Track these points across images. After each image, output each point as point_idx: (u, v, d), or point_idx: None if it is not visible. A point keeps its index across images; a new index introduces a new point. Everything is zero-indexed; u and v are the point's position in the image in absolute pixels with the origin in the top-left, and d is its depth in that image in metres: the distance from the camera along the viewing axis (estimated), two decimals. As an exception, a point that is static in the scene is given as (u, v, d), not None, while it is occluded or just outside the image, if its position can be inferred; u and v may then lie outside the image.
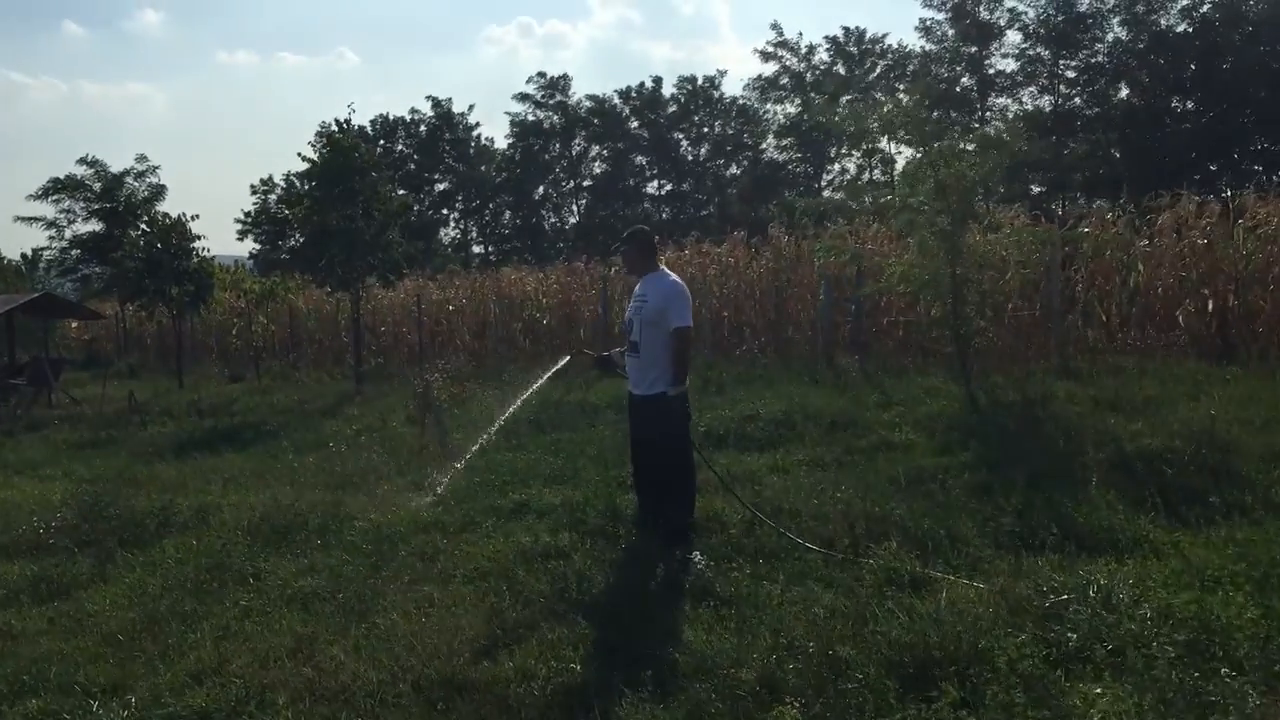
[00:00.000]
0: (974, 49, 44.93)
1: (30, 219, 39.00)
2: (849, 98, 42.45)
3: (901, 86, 41.18)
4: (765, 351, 16.30)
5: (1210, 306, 12.60)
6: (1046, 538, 5.77)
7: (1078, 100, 43.65)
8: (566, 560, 6.06)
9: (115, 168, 37.50)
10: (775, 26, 64.97)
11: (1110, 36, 42.14)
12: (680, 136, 60.70)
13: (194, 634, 5.36)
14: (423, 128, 60.94)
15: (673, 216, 56.97)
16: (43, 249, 41.45)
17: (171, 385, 20.92)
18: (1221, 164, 40.26)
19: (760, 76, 56.62)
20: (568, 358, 7.69)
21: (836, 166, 55.57)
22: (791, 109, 55.47)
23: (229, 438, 12.94)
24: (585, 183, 62.49)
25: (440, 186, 62.20)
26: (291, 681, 4.59)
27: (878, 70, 53.21)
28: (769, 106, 57.21)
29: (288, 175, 41.68)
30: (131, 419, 15.49)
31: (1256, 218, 12.93)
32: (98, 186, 37.05)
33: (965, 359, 10.99)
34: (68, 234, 38.86)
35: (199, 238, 21.28)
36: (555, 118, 60.87)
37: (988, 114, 44.54)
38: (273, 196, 47.59)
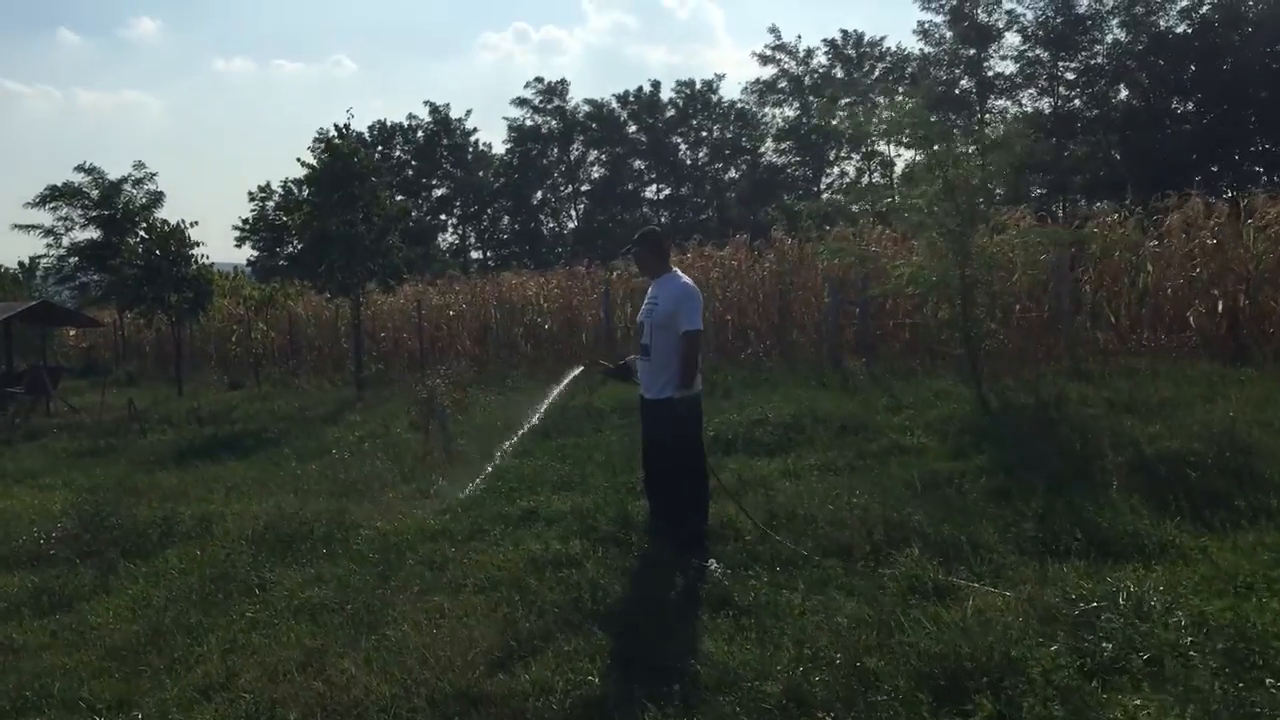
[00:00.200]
0: (972, 51, 44.92)
1: (28, 226, 38.82)
2: (848, 100, 42.40)
3: (901, 89, 41.11)
4: (770, 355, 16.18)
5: (1220, 307, 12.49)
6: (1070, 543, 5.65)
7: (1077, 102, 43.67)
8: (579, 569, 5.93)
9: (113, 175, 37.40)
10: (773, 30, 64.88)
11: (1109, 38, 42.19)
12: (679, 140, 60.67)
13: (200, 647, 5.23)
14: (420, 133, 60.90)
15: (672, 220, 56.94)
16: (40, 257, 41.33)
17: (171, 393, 20.79)
18: (1222, 165, 40.25)
19: (758, 80, 56.75)
20: (581, 368, 7.55)
21: (836, 169, 55.62)
22: (790, 112, 55.50)
23: (230, 445, 12.83)
24: (584, 187, 62.45)
25: (438, 192, 62.11)
26: (302, 696, 4.45)
27: (876, 73, 53.20)
28: (767, 110, 57.26)
29: (285, 182, 41.49)
30: (131, 427, 15.36)
31: (1266, 217, 12.82)
32: (95, 194, 36.87)
33: (975, 361, 10.87)
34: (65, 241, 38.66)
35: (198, 244, 21.21)
36: (553, 122, 60.84)
37: (987, 116, 44.49)
38: (270, 203, 47.43)
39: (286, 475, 10.18)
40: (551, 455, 9.79)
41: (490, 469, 8.61)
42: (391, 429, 12.63)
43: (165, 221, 22.11)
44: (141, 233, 24.58)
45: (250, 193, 53.02)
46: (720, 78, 62.18)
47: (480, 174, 61.16)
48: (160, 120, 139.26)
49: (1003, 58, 45.04)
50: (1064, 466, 7.26)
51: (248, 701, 4.46)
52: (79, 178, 36.86)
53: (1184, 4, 39.88)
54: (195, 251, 21.03)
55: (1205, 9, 39.26)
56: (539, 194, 62.57)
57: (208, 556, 6.93)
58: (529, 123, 60.70)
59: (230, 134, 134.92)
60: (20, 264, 44.11)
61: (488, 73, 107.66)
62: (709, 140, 60.14)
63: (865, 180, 50.31)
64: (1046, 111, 43.12)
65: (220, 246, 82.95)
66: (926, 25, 46.24)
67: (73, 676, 4.98)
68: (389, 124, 60.84)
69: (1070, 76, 43.57)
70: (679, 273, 6.41)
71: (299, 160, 18.05)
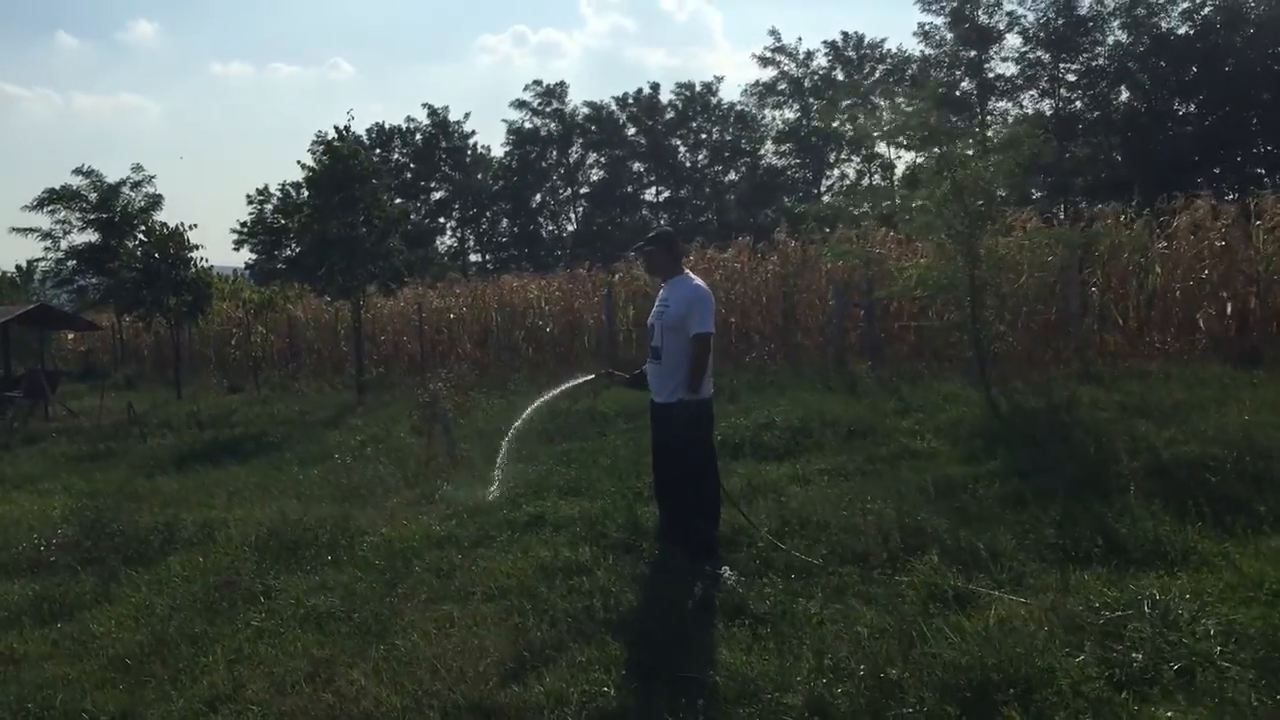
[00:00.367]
0: (973, 53, 44.88)
1: (26, 230, 38.64)
2: (848, 103, 42.33)
3: (900, 91, 41.06)
4: (775, 358, 16.09)
5: (1229, 309, 12.41)
6: (1091, 550, 5.55)
7: (1078, 104, 43.64)
8: (589, 576, 5.81)
9: (111, 178, 37.23)
10: (773, 32, 64.84)
11: (1111, 39, 42.17)
12: (678, 143, 60.60)
13: (206, 657, 5.11)
14: (419, 136, 60.80)
15: (671, 223, 56.81)
16: (38, 260, 41.09)
17: (170, 396, 20.65)
18: (1224, 167, 40.20)
19: (758, 82, 56.67)
20: (593, 375, 7.44)
21: (836, 172, 55.57)
22: (790, 114, 55.44)
23: (230, 450, 12.70)
24: (583, 190, 62.38)
25: (437, 195, 62.01)
26: (311, 709, 4.35)
27: (877, 75, 53.14)
28: (767, 112, 57.20)
29: (283, 185, 41.35)
30: (130, 431, 15.24)
31: (1275, 219, 12.73)
32: (93, 197, 36.66)
33: (984, 364, 10.78)
34: (63, 245, 38.46)
35: (197, 247, 21.03)
36: (552, 125, 60.78)
37: (988, 118, 44.45)
38: (269, 206, 47.36)
39: (288, 480, 10.07)
40: (556, 460, 9.67)
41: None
42: (393, 433, 12.51)
43: (164, 224, 21.96)
44: (140, 236, 24.46)
45: (248, 195, 52.83)
46: (719, 80, 61.97)
47: (479, 177, 61.09)
48: (158, 123, 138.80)
49: (1004, 59, 45.10)
50: (1079, 471, 7.16)
51: (256, 714, 4.36)
52: (77, 181, 36.66)
53: (1185, 5, 39.91)
54: (194, 254, 20.89)
55: (1207, 10, 39.26)
56: (538, 197, 62.52)
57: (211, 563, 6.81)
58: (528, 125, 60.75)
59: (228, 137, 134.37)
60: (18, 267, 43.93)
61: (486, 75, 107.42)
62: (709, 142, 60.10)
63: (866, 182, 50.30)
64: (1048, 113, 43.10)
65: (219, 249, 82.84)
66: (927, 27, 46.29)
67: (75, 687, 4.86)
68: (387, 127, 60.81)
69: (1071, 78, 43.59)
70: (691, 275, 6.29)
71: (299, 163, 17.99)
